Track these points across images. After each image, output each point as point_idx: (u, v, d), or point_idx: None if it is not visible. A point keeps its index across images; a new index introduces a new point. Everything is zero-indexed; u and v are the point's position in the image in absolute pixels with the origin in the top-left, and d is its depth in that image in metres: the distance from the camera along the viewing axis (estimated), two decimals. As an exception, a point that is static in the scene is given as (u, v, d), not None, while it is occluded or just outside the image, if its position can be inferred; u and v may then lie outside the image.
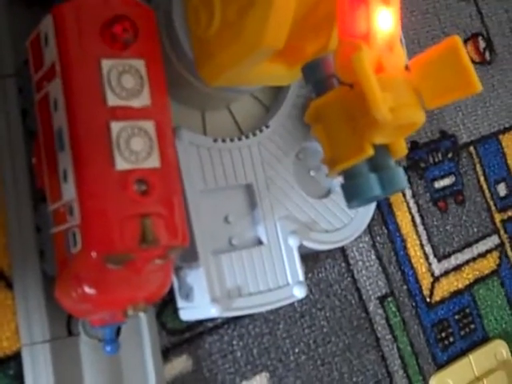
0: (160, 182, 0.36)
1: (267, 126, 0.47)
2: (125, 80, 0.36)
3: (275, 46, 0.35)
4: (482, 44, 0.71)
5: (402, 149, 0.37)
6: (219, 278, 0.42)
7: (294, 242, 0.45)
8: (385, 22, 0.33)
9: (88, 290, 0.36)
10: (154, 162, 0.36)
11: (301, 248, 0.46)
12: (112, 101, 0.35)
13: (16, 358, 0.41)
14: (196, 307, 0.43)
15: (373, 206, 0.51)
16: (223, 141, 0.45)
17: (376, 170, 0.36)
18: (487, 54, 0.71)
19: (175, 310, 0.45)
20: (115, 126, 0.35)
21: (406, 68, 0.34)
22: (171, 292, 0.45)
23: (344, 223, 0.49)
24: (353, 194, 0.37)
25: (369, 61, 0.31)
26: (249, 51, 0.36)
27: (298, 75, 0.39)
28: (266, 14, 0.34)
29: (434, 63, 0.33)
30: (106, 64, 0.35)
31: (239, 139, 0.45)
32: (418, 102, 0.33)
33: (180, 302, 0.45)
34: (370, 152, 0.34)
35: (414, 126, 0.35)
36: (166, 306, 0.46)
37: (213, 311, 0.42)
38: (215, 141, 0.44)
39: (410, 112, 0.33)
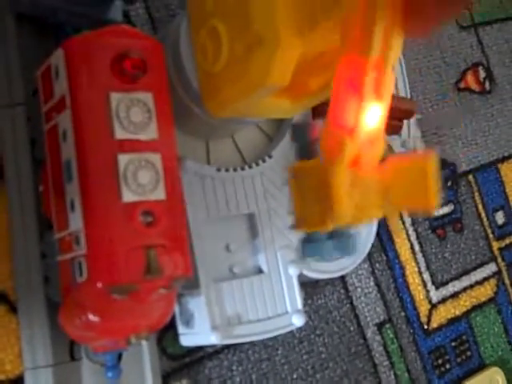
0: (165, 214, 0.36)
1: (270, 156, 0.47)
2: (133, 113, 0.37)
3: (281, 84, 0.36)
4: (482, 74, 0.72)
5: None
6: (220, 306, 0.43)
7: (293, 272, 0.46)
8: (373, 117, 0.33)
9: (92, 317, 0.37)
10: (159, 194, 0.36)
11: (300, 276, 0.47)
12: (120, 134, 0.36)
13: (18, 381, 0.42)
14: (196, 334, 0.44)
15: (372, 234, 0.52)
16: (226, 170, 0.45)
17: (333, 237, 0.44)
18: (487, 84, 0.72)
19: (176, 336, 0.46)
20: (123, 159, 0.36)
21: (383, 160, 0.35)
22: (172, 318, 0.45)
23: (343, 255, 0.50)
24: (309, 253, 0.44)
25: (344, 171, 0.33)
26: (255, 88, 0.36)
27: (301, 110, 0.40)
28: (273, 52, 0.34)
29: (406, 170, 0.34)
30: (114, 97, 0.36)
31: (242, 169, 0.46)
32: (381, 202, 0.34)
33: (181, 328, 0.45)
34: (330, 228, 0.34)
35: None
36: (166, 332, 0.47)
37: (213, 338, 0.42)
38: (218, 170, 0.45)
39: (370, 214, 0.34)
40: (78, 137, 0.36)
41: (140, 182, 0.36)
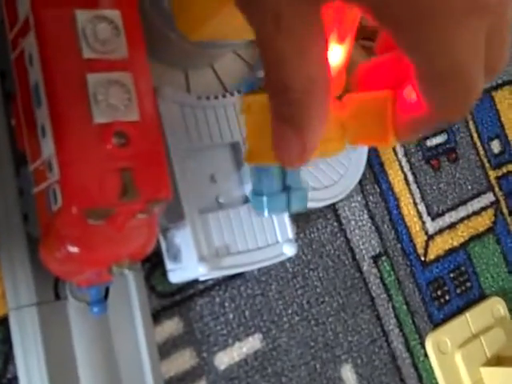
0: (139, 135, 0.35)
1: (251, 84, 0.46)
2: (100, 31, 0.35)
3: None
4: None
5: None
6: (206, 237, 0.42)
7: (282, 199, 0.44)
8: (334, 57, 0.33)
9: (71, 248, 0.35)
10: (132, 114, 0.35)
11: (290, 206, 0.46)
12: (87, 53, 0.34)
13: (3, 322, 0.41)
14: (184, 268, 0.43)
15: (363, 164, 0.51)
16: (207, 98, 0.44)
17: (285, 189, 0.42)
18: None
19: (164, 273, 0.45)
20: (92, 79, 0.34)
21: (340, 98, 0.34)
22: (160, 255, 0.44)
23: (333, 181, 0.49)
24: (259, 207, 0.42)
25: None
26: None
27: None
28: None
29: (363, 107, 0.34)
30: (80, 15, 0.35)
31: (224, 96, 0.44)
32: (342, 136, 0.35)
33: (168, 264, 0.44)
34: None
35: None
36: (154, 269, 0.46)
37: (201, 270, 0.41)
38: (199, 98, 0.43)
39: (332, 147, 0.35)
40: (44, 58, 0.34)
41: (111, 102, 0.34)
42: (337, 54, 0.33)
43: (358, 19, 0.32)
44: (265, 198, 0.42)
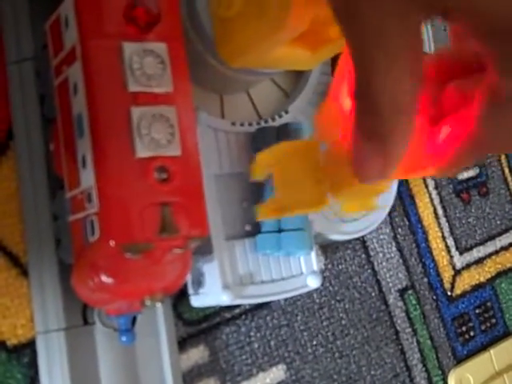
0: (181, 171, 0.35)
1: (286, 112, 0.46)
2: (146, 64, 0.35)
3: (299, 27, 0.34)
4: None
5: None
6: (232, 265, 0.42)
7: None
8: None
9: (105, 279, 0.35)
10: (175, 149, 0.35)
11: (318, 238, 0.45)
12: (133, 86, 0.34)
13: (31, 345, 0.41)
14: (207, 293, 0.43)
15: (392, 196, 0.50)
16: (241, 125, 0.44)
17: (283, 230, 0.42)
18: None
19: (192, 301, 0.45)
20: (136, 112, 0.34)
21: None
22: (187, 282, 0.44)
23: (362, 214, 0.48)
24: (261, 246, 0.42)
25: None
26: (272, 31, 0.34)
27: (320, 60, 0.38)
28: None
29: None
30: (127, 47, 0.34)
31: (258, 124, 0.44)
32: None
33: (191, 289, 0.44)
34: (327, 203, 0.33)
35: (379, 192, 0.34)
36: (182, 297, 0.45)
37: (224, 298, 0.41)
38: (233, 124, 0.43)
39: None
40: (90, 89, 0.34)
41: (154, 136, 0.34)
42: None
43: None
44: (258, 237, 0.43)
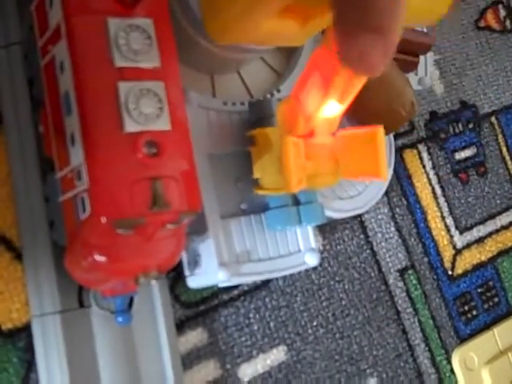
0: (171, 145, 0.34)
1: (278, 91, 0.45)
2: (132, 40, 0.34)
3: None
4: (502, 12, 0.69)
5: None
6: (227, 243, 0.41)
7: (306, 208, 0.44)
8: (331, 111, 0.35)
9: (98, 257, 0.35)
10: (164, 124, 0.34)
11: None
12: (119, 61, 0.34)
13: (26, 329, 0.40)
14: (204, 273, 0.42)
15: (389, 175, 0.50)
16: (233, 104, 0.43)
17: (298, 204, 0.42)
18: (508, 22, 0.69)
19: (189, 283, 0.44)
20: (123, 87, 0.34)
21: (334, 134, 0.37)
22: (183, 262, 0.44)
23: (359, 191, 0.48)
24: (273, 221, 0.42)
25: (294, 145, 0.35)
26: (257, 2, 0.34)
27: (309, 35, 0.38)
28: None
29: (356, 144, 0.36)
30: (112, 23, 0.34)
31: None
32: (335, 170, 0.37)
33: (187, 269, 0.43)
34: (296, 190, 0.36)
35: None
36: (179, 279, 0.45)
37: (220, 275, 0.40)
38: (225, 104, 0.43)
39: (324, 181, 0.38)
40: (76, 66, 0.34)
41: (142, 110, 0.34)
42: (334, 109, 0.35)
43: (359, 88, 0.33)
44: (273, 212, 0.42)
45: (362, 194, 0.48)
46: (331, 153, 0.37)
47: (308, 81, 0.35)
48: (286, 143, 0.35)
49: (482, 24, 0.67)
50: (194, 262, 0.42)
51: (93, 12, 0.34)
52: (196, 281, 0.43)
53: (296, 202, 0.43)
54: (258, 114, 0.42)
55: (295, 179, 0.36)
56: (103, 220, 0.33)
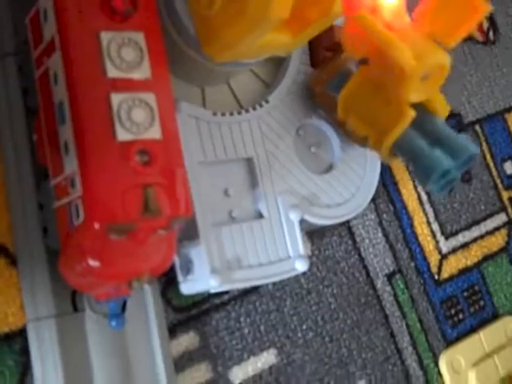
0: (162, 153, 0.35)
1: (267, 101, 0.47)
2: (124, 52, 0.36)
3: (281, 16, 0.34)
4: (485, 24, 0.70)
5: (443, 106, 0.37)
6: (219, 250, 0.42)
7: (295, 216, 0.45)
8: None
9: (92, 262, 0.36)
10: (155, 133, 0.35)
11: (303, 223, 0.46)
12: (112, 72, 0.35)
13: (22, 333, 0.41)
14: (196, 280, 0.43)
15: (375, 182, 0.51)
16: (223, 114, 0.45)
17: (438, 145, 0.38)
18: (491, 34, 0.70)
19: (181, 287, 0.45)
20: (116, 98, 0.35)
21: (412, 20, 0.35)
22: (176, 269, 0.45)
23: (346, 198, 0.49)
24: (424, 176, 0.37)
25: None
26: (255, 25, 0.35)
27: (300, 43, 0.39)
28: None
29: (440, 3, 0.35)
30: (105, 36, 0.35)
31: (239, 113, 0.45)
32: (435, 45, 0.35)
33: (180, 276, 0.45)
34: (412, 113, 0.36)
35: (443, 69, 0.36)
36: (171, 283, 0.46)
37: (212, 282, 0.42)
38: (214, 114, 0.44)
39: (432, 55, 0.35)
40: (69, 77, 0.35)
41: (134, 120, 0.35)
42: None
43: None
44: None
45: (350, 201, 0.49)
46: (420, 34, 0.35)
47: None
48: (369, 20, 0.34)
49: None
50: (187, 269, 0.44)
51: (86, 25, 0.35)
52: (189, 287, 0.44)
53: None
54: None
55: (407, 53, 0.34)
56: (96, 226, 0.34)
